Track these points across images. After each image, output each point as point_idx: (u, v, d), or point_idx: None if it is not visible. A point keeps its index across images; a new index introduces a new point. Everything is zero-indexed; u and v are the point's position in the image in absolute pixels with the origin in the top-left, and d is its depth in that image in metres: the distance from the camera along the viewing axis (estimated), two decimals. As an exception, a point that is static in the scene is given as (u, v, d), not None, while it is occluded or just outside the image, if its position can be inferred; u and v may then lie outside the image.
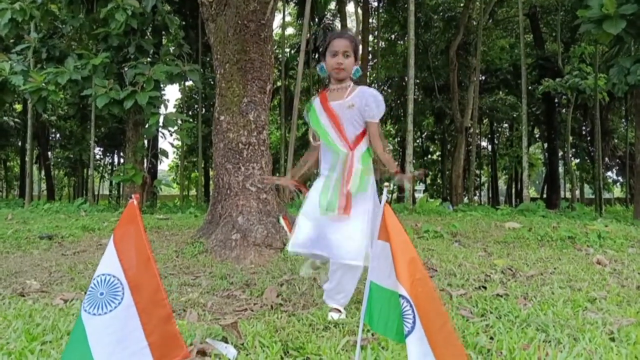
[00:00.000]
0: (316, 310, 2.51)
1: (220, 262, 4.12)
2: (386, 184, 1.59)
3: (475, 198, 29.90)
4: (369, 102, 2.57)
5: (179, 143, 18.87)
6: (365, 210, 2.47)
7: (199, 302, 2.82)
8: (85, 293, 2.94)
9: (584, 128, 23.30)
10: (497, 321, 2.30)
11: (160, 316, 1.27)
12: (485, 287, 3.10)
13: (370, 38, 23.32)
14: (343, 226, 2.42)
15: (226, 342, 1.98)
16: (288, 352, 1.92)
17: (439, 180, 32.29)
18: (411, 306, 1.26)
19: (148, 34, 11.91)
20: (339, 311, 2.46)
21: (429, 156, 32.22)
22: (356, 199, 2.46)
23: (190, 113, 25.37)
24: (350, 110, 2.57)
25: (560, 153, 22.82)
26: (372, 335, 2.02)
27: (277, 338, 2.04)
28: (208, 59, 18.71)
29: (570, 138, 19.10)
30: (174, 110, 25.10)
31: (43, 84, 10.17)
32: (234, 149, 4.64)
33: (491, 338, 2.11)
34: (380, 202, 1.39)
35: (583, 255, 4.81)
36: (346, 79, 2.63)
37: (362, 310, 1.46)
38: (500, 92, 24.79)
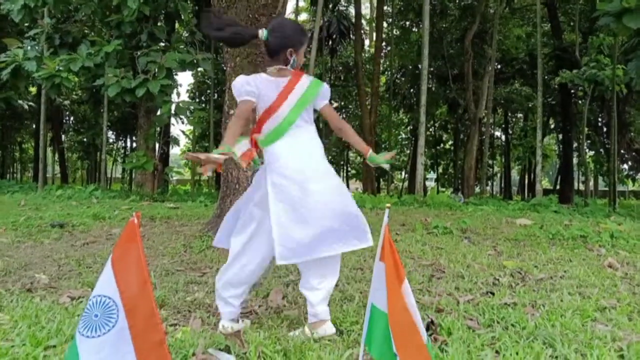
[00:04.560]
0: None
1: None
2: (387, 204, 1.56)
3: (487, 188, 29.73)
4: None
5: (190, 128, 18.89)
6: None
7: (205, 302, 2.82)
8: (92, 290, 2.96)
9: (600, 120, 22.92)
10: (503, 333, 2.27)
11: (154, 341, 1.25)
12: (493, 293, 3.07)
13: (385, 25, 23.04)
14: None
15: (229, 351, 1.97)
16: (290, 364, 1.91)
17: (450, 170, 32.09)
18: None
19: (160, 21, 11.87)
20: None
21: (442, 145, 31.97)
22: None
23: (202, 98, 25.38)
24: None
25: (575, 144, 22.52)
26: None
27: (280, 347, 2.03)
28: (221, 44, 18.65)
29: (586, 130, 18.81)
30: (186, 95, 25.14)
31: (56, 71, 10.20)
32: (243, 143, 4.61)
33: (497, 352, 2.08)
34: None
35: (594, 256, 4.75)
36: None
37: (363, 331, 1.44)
38: (516, 83, 24.42)
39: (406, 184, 29.40)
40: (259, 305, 2.82)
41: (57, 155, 29.43)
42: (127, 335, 1.24)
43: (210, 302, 2.81)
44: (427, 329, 2.21)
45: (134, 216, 1.36)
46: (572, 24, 20.38)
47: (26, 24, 13.00)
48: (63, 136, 28.68)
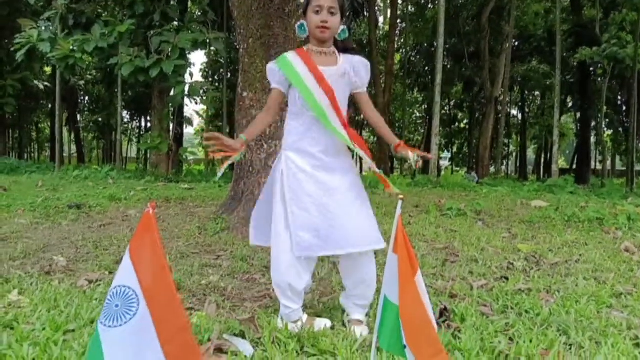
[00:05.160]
0: (334, 303, 2.51)
1: (242, 239, 4.16)
2: (400, 195, 1.54)
3: (503, 168, 29.45)
4: (360, 70, 2.26)
5: (204, 108, 18.91)
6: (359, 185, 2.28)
7: (219, 286, 2.85)
8: (110, 273, 3.00)
9: (619, 98, 22.45)
10: (517, 320, 2.27)
11: (176, 326, 1.27)
12: (507, 278, 3.06)
13: (400, 2, 22.64)
14: (354, 208, 2.15)
15: (243, 337, 2.00)
16: (304, 349, 1.93)
17: (465, 149, 31.81)
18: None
19: (173, 0, 11.80)
20: (360, 322, 2.20)
21: (457, 124, 31.64)
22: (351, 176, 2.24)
23: (215, 77, 25.31)
24: (342, 81, 2.23)
25: (593, 123, 22.13)
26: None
27: (294, 332, 2.05)
28: (234, 23, 18.52)
29: (605, 108, 18.44)
30: (199, 74, 25.08)
31: (70, 51, 10.23)
32: (257, 126, 4.60)
33: (510, 339, 2.08)
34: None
35: (611, 239, 4.70)
36: (330, 40, 2.24)
37: (376, 323, 1.44)
38: (534, 60, 23.94)
39: (420, 163, 29.20)
40: (273, 289, 2.84)
41: (73, 135, 29.74)
42: (149, 323, 1.26)
43: (225, 286, 2.85)
44: (441, 315, 2.22)
45: (149, 207, 1.36)
46: (592, -1, 19.84)
47: (40, 4, 13.05)
48: (78, 116, 28.92)
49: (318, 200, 2.12)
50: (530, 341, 2.02)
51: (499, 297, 2.63)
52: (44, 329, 2.01)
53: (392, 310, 1.35)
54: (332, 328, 2.17)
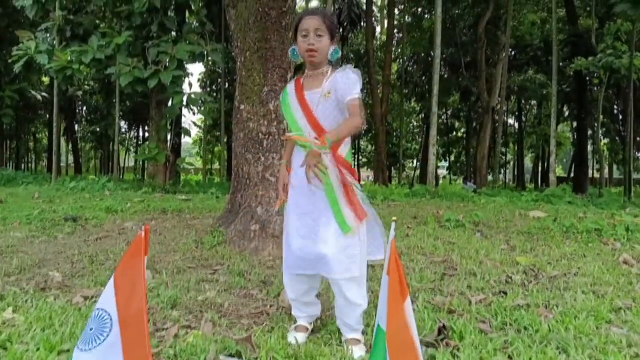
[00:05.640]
0: (330, 321, 2.48)
1: (239, 253, 4.14)
2: (394, 218, 1.53)
3: (501, 176, 29.46)
4: (338, 83, 2.17)
5: (202, 117, 18.93)
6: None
7: (216, 302, 2.83)
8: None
9: (615, 107, 22.55)
10: (516, 337, 2.25)
11: (141, 356, 1.25)
12: (506, 293, 3.04)
13: (397, 12, 22.79)
14: (331, 235, 2.11)
15: (240, 357, 1.98)
16: (301, 369, 1.91)
17: (463, 158, 31.86)
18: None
19: (171, 11, 11.84)
20: (359, 341, 2.17)
21: (454, 133, 31.72)
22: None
23: (214, 87, 25.38)
24: (326, 101, 2.18)
25: (590, 132, 22.20)
26: None
27: (292, 351, 2.03)
28: (231, 35, 18.58)
29: (602, 117, 18.51)
30: (197, 84, 25.15)
31: (68, 63, 10.25)
32: (254, 139, 4.60)
33: (509, 357, 2.06)
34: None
35: (609, 251, 4.69)
36: (322, 63, 2.23)
37: (372, 349, 1.43)
38: (530, 70, 24.06)
39: (418, 172, 29.23)
40: (271, 305, 2.82)
41: (70, 146, 29.72)
42: (118, 349, 1.25)
43: (222, 302, 2.82)
44: (439, 333, 2.20)
45: (143, 230, 1.35)
46: (588, 9, 19.98)
47: (39, 16, 13.08)
48: (76, 126, 28.91)
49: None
50: (530, 359, 2.00)
51: (498, 313, 2.61)
52: (38, 349, 1.99)
53: (381, 336, 1.34)
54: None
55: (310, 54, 2.18)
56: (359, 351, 2.09)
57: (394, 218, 1.51)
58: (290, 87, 2.36)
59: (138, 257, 1.30)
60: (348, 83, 2.17)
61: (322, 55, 2.20)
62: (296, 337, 2.21)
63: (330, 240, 2.11)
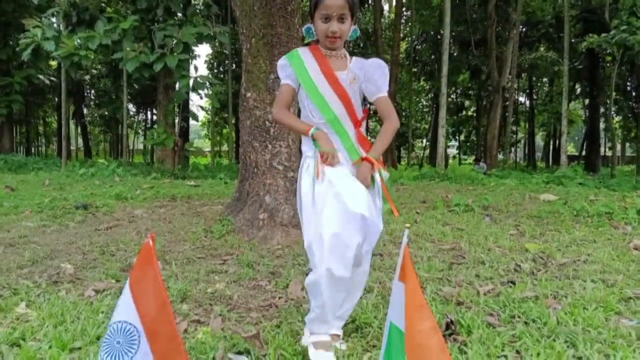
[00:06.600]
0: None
1: (248, 241, 4.17)
2: (407, 224, 1.52)
3: (511, 155, 29.25)
4: (373, 74, 2.05)
5: (209, 101, 18.84)
6: None
7: (225, 294, 2.85)
8: (117, 282, 3.00)
9: (628, 84, 22.16)
10: (524, 330, 2.25)
11: None
12: (514, 283, 3.03)
13: (405, -10, 22.42)
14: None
15: (249, 353, 2.00)
16: (309, 366, 1.92)
17: (472, 137, 31.62)
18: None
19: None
20: (338, 336, 2.07)
21: (464, 112, 31.43)
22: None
23: (221, 69, 25.28)
24: (352, 87, 2.05)
25: (602, 110, 21.89)
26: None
27: (300, 348, 2.05)
28: (236, 16, 18.40)
29: (614, 94, 18.20)
30: (204, 66, 25.04)
31: (74, 49, 10.23)
32: (261, 126, 4.59)
33: (517, 352, 2.06)
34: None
35: (620, 235, 4.66)
36: (340, 46, 2.10)
37: (382, 350, 1.43)
38: (541, 47, 23.65)
39: (427, 152, 29.08)
40: (279, 297, 2.84)
41: (80, 129, 29.87)
42: None
43: (231, 294, 2.85)
44: (447, 328, 2.20)
45: (149, 238, 1.35)
46: (601, -17, 19.50)
47: (44, 1, 13.02)
48: (85, 110, 29.01)
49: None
50: (538, 354, 2.00)
51: (506, 304, 2.61)
52: (50, 347, 2.02)
53: (398, 335, 1.34)
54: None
55: (331, 40, 2.01)
56: (341, 346, 2.04)
57: (407, 224, 1.50)
58: (307, 55, 2.07)
59: (150, 264, 1.29)
60: (384, 77, 2.06)
61: (344, 39, 2.05)
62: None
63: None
